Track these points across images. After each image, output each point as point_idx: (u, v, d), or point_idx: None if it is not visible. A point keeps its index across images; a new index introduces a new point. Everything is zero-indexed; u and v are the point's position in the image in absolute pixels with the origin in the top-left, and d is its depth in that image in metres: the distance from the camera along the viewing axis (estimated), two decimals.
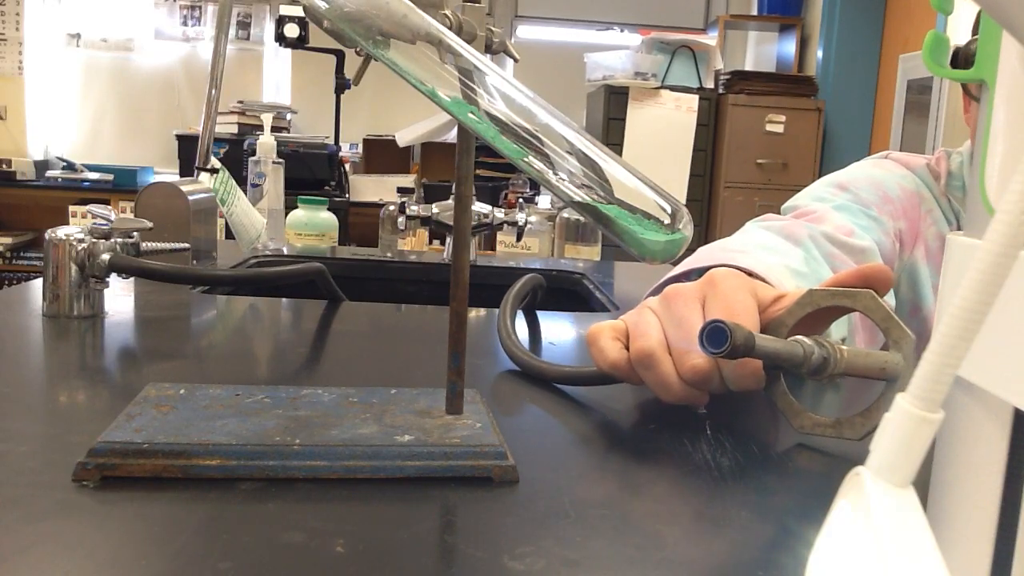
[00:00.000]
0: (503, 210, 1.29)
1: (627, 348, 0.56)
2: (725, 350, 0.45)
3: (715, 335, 0.45)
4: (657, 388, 0.54)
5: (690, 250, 0.49)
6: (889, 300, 0.86)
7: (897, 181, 0.96)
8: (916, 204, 0.95)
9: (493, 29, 0.45)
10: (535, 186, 3.03)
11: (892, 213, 0.93)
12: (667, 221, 0.36)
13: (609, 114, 3.66)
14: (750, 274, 0.66)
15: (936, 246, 0.94)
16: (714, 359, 0.51)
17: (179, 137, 3.83)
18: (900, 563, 0.19)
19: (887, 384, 0.49)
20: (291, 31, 3.21)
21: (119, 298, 0.87)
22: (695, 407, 0.55)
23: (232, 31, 4.29)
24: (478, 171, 3.42)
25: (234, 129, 3.72)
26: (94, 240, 0.76)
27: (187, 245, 0.91)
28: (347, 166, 3.87)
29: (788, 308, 0.52)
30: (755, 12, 4.45)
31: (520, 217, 1.28)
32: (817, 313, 0.52)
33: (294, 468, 0.41)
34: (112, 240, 0.77)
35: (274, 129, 2.93)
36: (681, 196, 3.58)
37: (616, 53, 3.78)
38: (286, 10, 3.23)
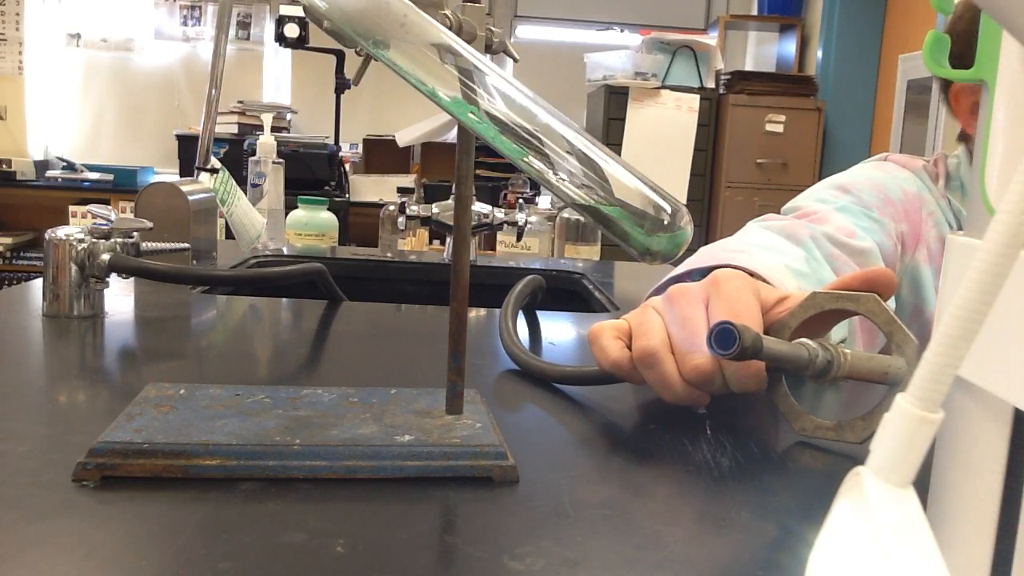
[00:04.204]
0: (503, 210, 1.29)
1: (629, 347, 0.56)
2: (734, 352, 0.45)
3: (723, 336, 0.45)
4: (659, 387, 0.54)
5: (691, 250, 0.49)
6: (889, 304, 0.86)
7: (899, 183, 0.96)
8: (918, 207, 0.95)
9: (493, 29, 0.45)
10: (535, 186, 3.03)
11: (894, 215, 0.93)
12: (667, 221, 0.36)
13: (609, 114, 3.66)
14: (751, 275, 0.66)
15: (937, 248, 0.94)
16: (716, 359, 0.51)
17: (179, 137, 3.83)
18: (900, 563, 0.19)
19: (889, 388, 0.49)
20: (291, 31, 3.21)
21: (119, 298, 0.87)
22: (696, 407, 0.55)
23: (232, 31, 4.29)
24: (478, 171, 3.42)
25: (234, 129, 3.72)
26: (94, 240, 0.76)
27: (187, 245, 0.91)
28: (347, 166, 3.87)
29: (792, 310, 0.52)
30: (755, 12, 4.45)
31: (520, 217, 1.28)
32: (820, 316, 0.52)
33: (294, 468, 0.41)
34: (112, 240, 0.77)
35: (274, 129, 2.93)
36: (681, 196, 3.58)
37: (616, 53, 3.78)
38: (286, 10, 3.23)
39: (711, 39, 4.09)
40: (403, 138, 3.90)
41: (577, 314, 1.01)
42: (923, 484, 0.23)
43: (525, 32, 4.54)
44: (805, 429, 0.52)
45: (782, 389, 0.53)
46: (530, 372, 0.64)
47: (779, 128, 3.77)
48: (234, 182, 1.21)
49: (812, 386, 0.65)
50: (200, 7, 4.32)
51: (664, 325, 0.55)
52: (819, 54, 4.03)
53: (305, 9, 0.37)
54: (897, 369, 0.48)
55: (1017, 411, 0.25)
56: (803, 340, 0.50)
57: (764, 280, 0.66)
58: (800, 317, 0.52)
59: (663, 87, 3.70)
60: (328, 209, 1.62)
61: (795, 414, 0.52)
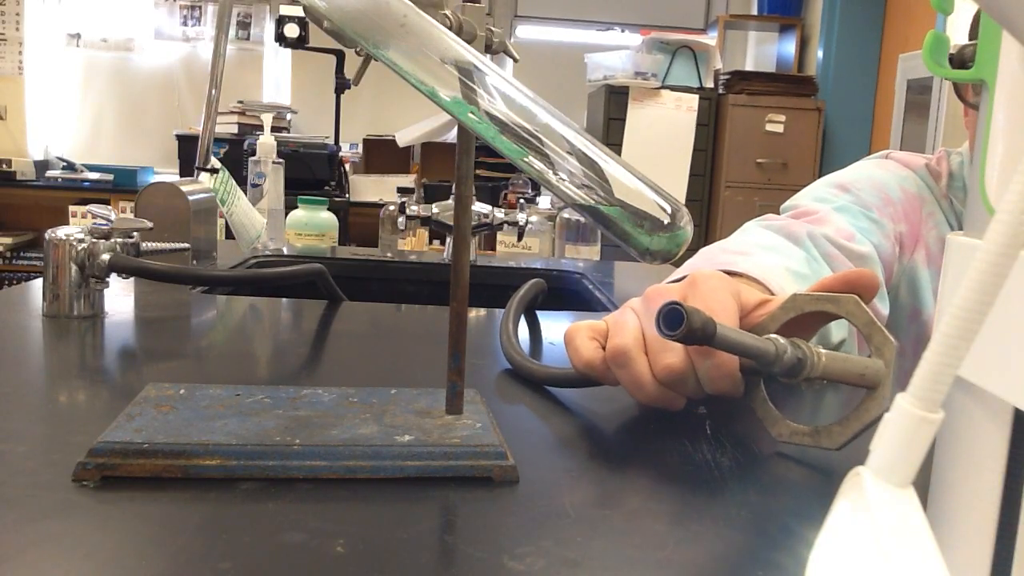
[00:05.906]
0: (503, 210, 1.29)
1: (604, 348, 0.55)
2: (680, 333, 0.44)
3: (670, 317, 0.44)
4: (631, 387, 0.53)
5: (691, 250, 0.49)
6: (882, 307, 0.85)
7: (899, 183, 0.95)
8: (917, 207, 0.94)
9: (493, 29, 0.45)
10: (535, 186, 3.03)
11: (893, 216, 0.92)
12: (667, 221, 0.36)
13: (609, 114, 3.66)
14: (751, 279, 0.66)
15: (937, 249, 0.93)
16: (689, 359, 0.51)
17: (179, 137, 3.83)
18: (900, 563, 0.19)
19: (867, 392, 0.49)
20: (291, 31, 3.21)
21: (119, 298, 0.87)
22: (670, 409, 0.54)
23: (232, 31, 4.29)
24: (478, 171, 3.42)
25: (234, 129, 3.72)
26: (94, 240, 0.76)
27: (187, 245, 0.91)
28: (347, 166, 3.87)
29: (772, 312, 0.52)
30: (755, 12, 4.45)
31: (520, 217, 1.28)
32: (802, 318, 0.51)
33: (294, 468, 0.41)
34: (112, 240, 0.77)
35: (274, 129, 2.94)
36: (681, 196, 3.57)
37: (616, 53, 3.78)
38: (286, 10, 3.23)
39: (711, 39, 4.09)
40: (403, 138, 3.90)
41: (577, 314, 1.01)
42: (923, 484, 0.23)
43: (525, 32, 4.54)
44: (782, 434, 0.51)
45: (760, 394, 0.52)
46: (522, 373, 0.63)
47: (779, 128, 3.77)
48: (234, 182, 1.21)
49: (807, 393, 0.65)
50: (200, 7, 4.32)
51: (639, 325, 0.54)
52: (819, 54, 4.03)
53: (305, 9, 0.37)
54: (874, 371, 0.47)
55: (1017, 411, 0.25)
56: (772, 336, 0.49)
57: (763, 285, 0.66)
58: (780, 319, 0.51)
59: (663, 87, 3.70)
60: (328, 209, 1.62)
61: (772, 419, 0.52)
